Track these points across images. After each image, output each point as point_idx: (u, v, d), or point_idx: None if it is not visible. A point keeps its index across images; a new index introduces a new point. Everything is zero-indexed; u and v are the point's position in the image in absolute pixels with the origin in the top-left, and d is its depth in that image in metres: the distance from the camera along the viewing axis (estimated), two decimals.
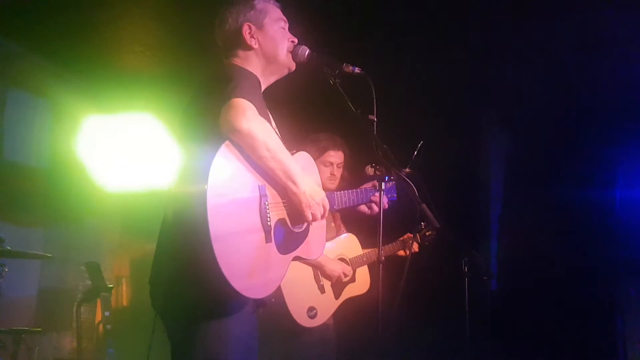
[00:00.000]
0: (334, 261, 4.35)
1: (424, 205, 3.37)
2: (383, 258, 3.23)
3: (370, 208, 3.83)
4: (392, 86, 4.90)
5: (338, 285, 4.41)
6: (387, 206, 3.75)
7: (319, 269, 4.29)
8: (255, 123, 2.56)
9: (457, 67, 5.92)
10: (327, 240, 4.24)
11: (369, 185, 3.74)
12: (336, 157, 4.59)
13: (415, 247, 4.78)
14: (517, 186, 6.78)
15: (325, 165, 4.53)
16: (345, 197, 3.45)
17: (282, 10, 3.15)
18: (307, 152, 3.11)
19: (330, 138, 4.59)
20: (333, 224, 4.63)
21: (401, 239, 4.82)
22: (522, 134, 6.74)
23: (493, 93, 6.48)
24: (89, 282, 5.24)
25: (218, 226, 2.43)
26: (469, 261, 4.17)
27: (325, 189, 3.90)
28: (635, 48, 5.50)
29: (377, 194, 3.65)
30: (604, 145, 6.36)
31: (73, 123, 6.19)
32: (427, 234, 4.81)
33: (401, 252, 4.81)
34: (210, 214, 2.42)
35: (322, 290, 4.34)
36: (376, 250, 4.50)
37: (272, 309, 3.07)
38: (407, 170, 3.42)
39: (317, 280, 4.33)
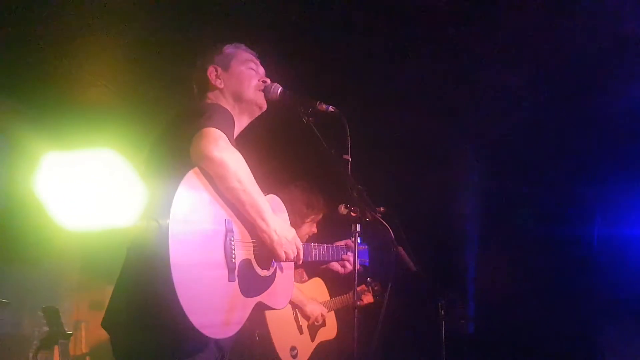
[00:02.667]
0: (314, 302, 4.47)
1: (400, 248, 3.39)
2: (358, 304, 3.25)
3: (343, 267, 3.90)
4: (367, 125, 4.96)
5: (312, 328, 4.51)
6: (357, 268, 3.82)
7: (298, 309, 4.38)
8: (228, 152, 2.60)
9: (434, 104, 6.01)
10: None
11: (341, 243, 3.82)
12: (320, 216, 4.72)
13: (370, 298, 4.94)
14: (494, 226, 6.84)
15: (311, 225, 4.64)
16: (316, 251, 3.49)
17: (256, 57, 3.24)
18: (297, 202, 3.11)
19: (323, 200, 4.67)
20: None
21: (358, 288, 4.84)
22: (498, 173, 6.80)
23: (470, 131, 6.54)
24: (46, 328, 5.21)
25: (179, 254, 2.39)
26: (445, 304, 4.12)
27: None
28: (613, 87, 5.64)
29: (349, 253, 3.71)
30: (582, 184, 6.52)
31: (31, 160, 6.04)
32: (374, 288, 4.97)
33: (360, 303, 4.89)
34: (171, 240, 2.38)
35: (300, 330, 4.42)
36: (344, 297, 4.73)
37: (256, 347, 3.03)
38: (382, 209, 3.40)
39: (296, 320, 4.42)
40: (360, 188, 3.20)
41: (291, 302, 4.18)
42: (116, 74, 5.80)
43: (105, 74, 5.81)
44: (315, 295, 4.65)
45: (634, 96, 5.73)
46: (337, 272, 4.05)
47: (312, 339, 4.51)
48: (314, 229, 4.68)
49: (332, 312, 4.81)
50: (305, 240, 4.57)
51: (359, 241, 3.64)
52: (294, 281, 4.20)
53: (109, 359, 2.76)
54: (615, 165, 6.42)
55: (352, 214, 3.26)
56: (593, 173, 6.50)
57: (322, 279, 4.85)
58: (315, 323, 4.50)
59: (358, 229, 3.29)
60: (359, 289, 4.85)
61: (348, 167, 3.15)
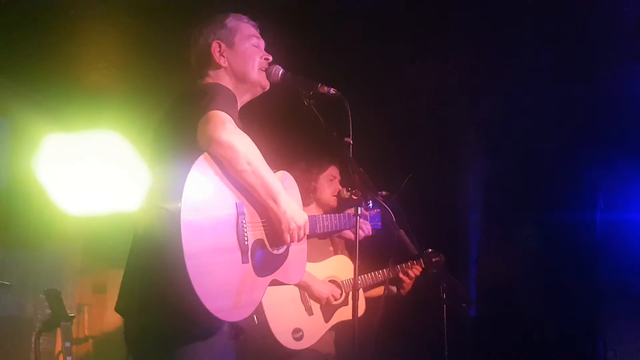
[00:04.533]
0: (322, 282, 4.31)
1: (402, 232, 3.44)
2: (359, 287, 3.21)
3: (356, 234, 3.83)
4: (370, 108, 4.92)
5: (328, 308, 4.35)
6: (371, 233, 3.75)
7: (305, 290, 4.26)
8: (236, 135, 2.57)
9: (438, 90, 5.97)
10: (319, 261, 4.34)
11: (352, 210, 3.70)
12: (336, 172, 4.61)
13: (417, 270, 4.63)
14: (497, 210, 6.83)
15: (330, 180, 4.55)
16: (327, 222, 3.43)
17: (257, 29, 3.16)
18: (304, 166, 3.05)
19: (323, 159, 4.59)
20: (331, 248, 4.60)
21: (405, 264, 4.65)
22: (501, 158, 6.82)
23: (472, 117, 6.52)
24: (48, 311, 5.17)
25: (192, 243, 2.38)
26: (447, 288, 4.18)
27: (330, 207, 3.85)
28: (614, 72, 5.63)
29: (360, 220, 3.66)
30: (584, 168, 6.54)
31: (32, 142, 6.04)
32: (433, 260, 4.51)
33: (404, 277, 4.63)
34: (183, 229, 2.37)
35: (309, 312, 4.30)
36: (374, 274, 4.50)
37: (256, 332, 3.00)
38: (384, 193, 3.41)
39: (305, 302, 4.30)
40: (362, 171, 3.17)
41: (297, 285, 4.10)
42: (118, 55, 5.73)
43: (107, 56, 5.75)
44: (336, 273, 4.47)
45: (637, 79, 5.70)
46: (351, 240, 3.99)
47: (327, 320, 4.35)
48: (337, 186, 4.56)
49: (361, 290, 4.48)
50: (333, 200, 4.53)
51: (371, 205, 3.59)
52: (313, 260, 4.07)
53: (111, 342, 2.74)
54: (618, 149, 6.42)
55: (354, 197, 3.26)
56: (595, 157, 6.50)
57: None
58: (331, 303, 4.33)
59: (359, 212, 3.23)
60: (409, 262, 4.62)
61: (349, 150, 3.10)
